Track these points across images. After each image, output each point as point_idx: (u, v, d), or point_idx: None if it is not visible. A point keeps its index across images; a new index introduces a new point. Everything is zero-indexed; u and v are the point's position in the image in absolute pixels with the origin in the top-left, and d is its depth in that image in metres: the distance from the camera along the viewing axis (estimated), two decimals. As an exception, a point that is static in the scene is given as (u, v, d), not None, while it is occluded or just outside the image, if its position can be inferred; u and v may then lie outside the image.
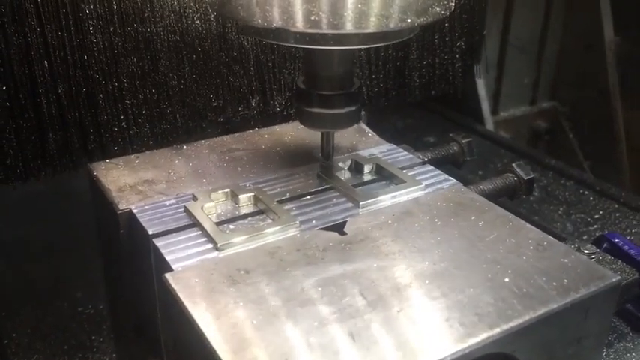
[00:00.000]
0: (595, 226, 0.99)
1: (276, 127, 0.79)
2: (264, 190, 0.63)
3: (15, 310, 0.83)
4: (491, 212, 0.61)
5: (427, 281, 0.51)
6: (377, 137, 0.77)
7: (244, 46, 0.86)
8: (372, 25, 0.51)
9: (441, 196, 0.63)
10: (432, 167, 0.70)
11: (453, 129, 1.26)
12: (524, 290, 0.50)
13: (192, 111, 0.86)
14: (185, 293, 0.49)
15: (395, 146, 0.75)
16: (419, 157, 0.73)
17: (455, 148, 0.84)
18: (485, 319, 0.47)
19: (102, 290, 0.73)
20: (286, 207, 0.61)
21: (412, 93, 1.07)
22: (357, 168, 0.69)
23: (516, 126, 1.60)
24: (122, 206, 0.61)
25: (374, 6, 0.50)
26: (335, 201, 0.63)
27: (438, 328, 0.46)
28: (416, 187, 0.64)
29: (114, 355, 0.76)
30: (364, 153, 0.72)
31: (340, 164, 0.69)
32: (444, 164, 0.79)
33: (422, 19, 0.53)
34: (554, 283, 0.50)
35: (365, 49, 0.98)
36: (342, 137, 0.75)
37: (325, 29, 0.51)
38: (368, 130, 0.78)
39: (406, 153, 0.73)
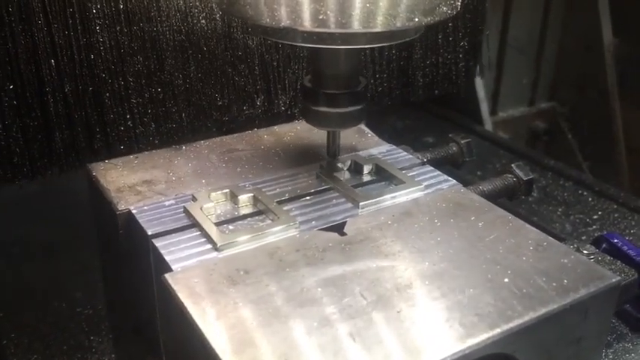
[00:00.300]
0: (594, 227, 0.99)
1: (276, 127, 0.79)
2: (263, 190, 0.63)
3: (14, 311, 0.83)
4: (491, 213, 0.61)
5: (427, 282, 0.51)
6: (376, 138, 0.77)
7: (249, 45, 0.86)
8: (379, 25, 0.51)
9: (440, 196, 0.63)
10: (431, 168, 0.70)
11: (452, 130, 1.26)
12: (524, 291, 0.50)
13: (197, 110, 0.86)
14: (185, 294, 0.49)
15: (394, 147, 0.75)
16: (418, 158, 0.73)
17: (454, 148, 0.84)
18: (485, 319, 0.47)
19: (101, 291, 0.73)
20: (286, 207, 0.61)
21: (416, 92, 1.08)
22: (356, 168, 0.69)
23: (515, 126, 1.60)
24: (121, 207, 0.60)
25: (382, 5, 0.51)
26: (334, 201, 0.63)
27: (438, 328, 0.46)
28: (415, 188, 0.64)
29: (112, 355, 0.76)
30: (364, 153, 0.72)
31: (340, 165, 0.69)
32: (443, 165, 0.79)
33: (429, 19, 0.53)
34: (554, 284, 0.50)
35: (370, 48, 0.98)
36: (342, 138, 0.75)
37: (333, 28, 0.51)
38: (367, 130, 0.78)
39: (406, 153, 0.73)
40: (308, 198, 0.63)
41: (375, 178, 0.68)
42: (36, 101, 0.75)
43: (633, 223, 0.99)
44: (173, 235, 0.57)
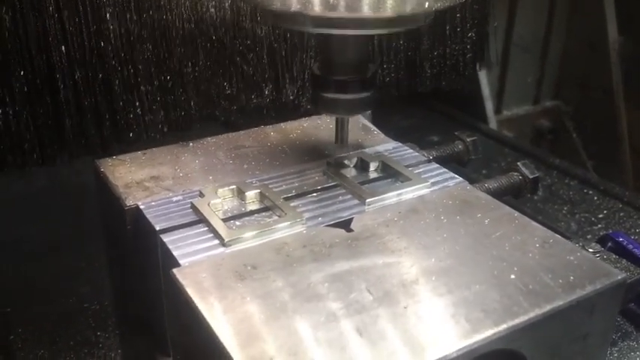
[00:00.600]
0: (599, 226, 0.99)
1: (282, 124, 0.79)
2: (270, 186, 0.63)
3: (21, 306, 0.84)
4: (497, 210, 0.61)
5: (433, 278, 0.51)
6: (382, 135, 0.77)
7: (258, 34, 0.87)
8: (389, 9, 0.51)
9: (446, 193, 0.64)
10: (437, 165, 0.70)
11: (457, 128, 1.26)
12: (530, 287, 0.50)
13: (206, 99, 0.86)
14: (193, 288, 0.49)
15: (400, 144, 0.75)
16: (424, 155, 0.73)
17: (460, 146, 0.84)
18: (491, 315, 0.47)
19: (107, 286, 0.73)
20: (293, 204, 0.61)
21: (423, 83, 1.07)
22: (362, 165, 0.69)
23: (519, 125, 1.60)
24: (129, 202, 0.61)
25: None
26: (341, 198, 0.63)
27: (444, 324, 0.46)
28: (422, 185, 0.64)
29: (119, 351, 0.77)
30: (370, 151, 0.72)
31: (346, 162, 0.69)
32: (448, 163, 0.80)
33: (439, 4, 0.53)
34: (560, 281, 0.51)
35: (378, 38, 0.98)
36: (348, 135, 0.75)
37: (343, 13, 0.51)
38: (373, 127, 0.79)
39: (412, 151, 0.73)
40: (315, 194, 0.63)
41: (381, 175, 0.68)
42: (46, 88, 0.76)
43: (639, 221, 1.00)
44: (181, 230, 0.57)
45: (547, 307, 0.48)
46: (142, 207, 0.60)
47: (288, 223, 0.57)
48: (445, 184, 0.66)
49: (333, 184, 0.65)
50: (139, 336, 0.68)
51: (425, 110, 1.40)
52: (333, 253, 0.54)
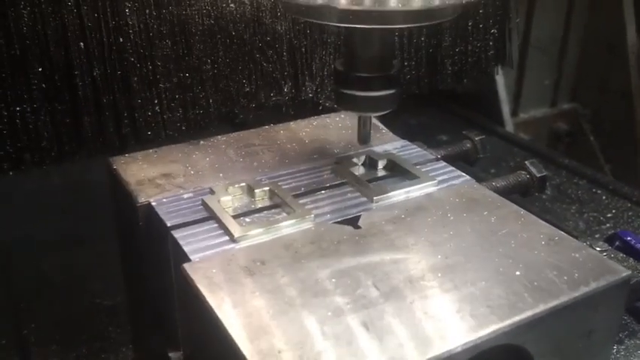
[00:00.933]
0: (607, 225, 1.00)
1: (291, 123, 0.80)
2: (279, 184, 0.64)
3: (34, 302, 0.85)
4: (504, 208, 0.61)
5: (439, 274, 0.52)
6: (391, 134, 0.78)
7: (278, 30, 0.86)
8: (417, 2, 0.50)
9: (453, 191, 0.64)
10: (445, 163, 0.71)
11: (467, 128, 1.26)
12: (535, 284, 0.50)
13: (224, 96, 0.85)
14: (203, 283, 0.50)
15: (408, 142, 0.76)
16: (432, 154, 0.74)
17: (468, 145, 0.84)
18: (496, 311, 0.48)
19: (120, 282, 0.74)
20: (301, 201, 0.62)
21: (444, 81, 1.06)
22: (370, 163, 0.70)
23: (536, 128, 1.60)
24: (141, 199, 0.62)
25: None
26: (349, 195, 0.64)
27: (450, 319, 0.47)
28: (429, 183, 0.65)
29: (130, 345, 0.78)
30: (378, 149, 0.73)
31: (354, 160, 0.70)
32: (456, 161, 0.80)
33: None
34: (565, 277, 0.51)
35: (401, 33, 0.97)
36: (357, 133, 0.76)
37: (370, 6, 0.50)
38: (382, 126, 0.79)
39: (419, 149, 0.74)
40: (323, 192, 0.64)
41: (389, 173, 0.69)
42: (64, 85, 0.75)
43: (647, 221, 1.00)
44: (192, 226, 0.58)
45: (552, 304, 0.48)
46: (153, 204, 0.61)
47: (297, 220, 0.58)
48: (452, 182, 0.66)
49: (341, 181, 0.66)
50: (151, 331, 0.69)
51: (443, 113, 1.40)
52: (340, 250, 0.54)
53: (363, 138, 0.67)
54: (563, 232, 0.58)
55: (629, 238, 0.79)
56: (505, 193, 0.74)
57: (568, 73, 1.62)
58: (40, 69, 0.74)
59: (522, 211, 0.61)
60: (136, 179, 0.65)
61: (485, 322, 0.46)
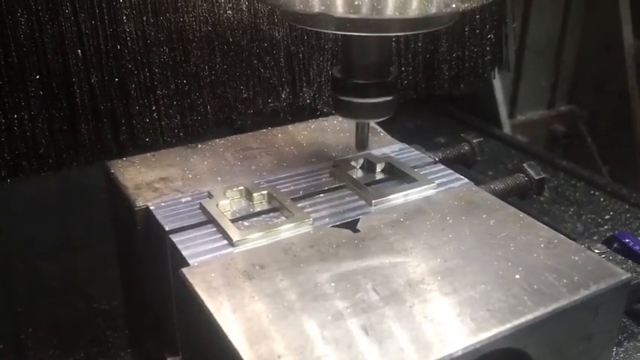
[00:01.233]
0: (605, 227, 0.99)
1: (289, 126, 0.80)
2: (277, 187, 0.64)
3: (32, 306, 0.85)
4: (503, 211, 0.61)
5: (439, 277, 0.51)
6: (389, 137, 0.78)
7: (275, 37, 0.86)
8: (415, 11, 0.50)
9: (452, 194, 0.64)
10: (443, 166, 0.71)
11: (464, 130, 1.26)
12: (535, 287, 0.50)
13: (222, 102, 0.86)
14: (202, 287, 0.50)
15: (407, 145, 0.76)
16: (430, 157, 0.74)
17: (466, 147, 0.84)
18: (496, 314, 0.47)
19: (117, 286, 0.74)
20: (300, 204, 0.62)
21: (441, 86, 1.07)
22: (369, 167, 0.70)
23: (534, 130, 1.60)
24: (139, 203, 0.62)
25: None
26: (347, 199, 0.63)
27: (450, 323, 0.47)
28: (427, 186, 0.65)
29: (129, 350, 0.77)
30: (376, 152, 0.73)
31: (352, 163, 0.70)
32: (454, 164, 0.80)
33: (466, 5, 0.53)
34: (565, 280, 0.51)
35: (397, 40, 0.97)
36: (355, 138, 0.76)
37: (367, 14, 0.50)
38: (380, 129, 0.79)
39: (418, 152, 0.74)
40: (322, 195, 0.64)
41: (387, 176, 0.69)
42: (62, 92, 0.75)
43: (645, 223, 1.00)
44: (190, 230, 0.58)
45: (552, 307, 0.48)
46: (151, 208, 0.61)
47: (296, 223, 0.58)
48: (451, 185, 0.66)
49: (339, 185, 0.66)
50: (149, 335, 0.68)
51: (440, 116, 1.40)
52: (339, 253, 0.54)
53: (361, 144, 0.67)
54: (562, 235, 0.58)
55: (627, 240, 0.79)
56: (503, 195, 0.74)
57: (565, 75, 1.63)
58: (37, 76, 0.74)
59: (521, 214, 0.61)
60: (133, 183, 0.65)
61: (485, 326, 0.46)
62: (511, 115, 1.53)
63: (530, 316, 0.47)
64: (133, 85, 0.79)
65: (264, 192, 0.63)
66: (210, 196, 0.63)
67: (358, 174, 0.69)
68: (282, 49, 0.87)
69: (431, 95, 1.07)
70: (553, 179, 1.14)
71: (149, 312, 0.67)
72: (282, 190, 0.64)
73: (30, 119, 0.75)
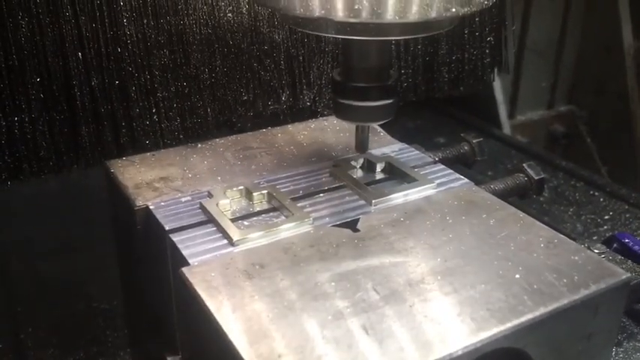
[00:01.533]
0: (605, 227, 0.99)
1: (289, 126, 0.80)
2: (277, 187, 0.64)
3: (31, 306, 0.85)
4: (503, 210, 0.61)
5: (439, 277, 0.51)
6: (389, 137, 0.78)
7: (275, 39, 0.86)
8: (415, 15, 0.50)
9: (452, 194, 0.64)
10: (443, 166, 0.71)
11: (464, 130, 1.26)
12: (535, 286, 0.50)
13: (222, 105, 0.86)
14: (202, 287, 0.50)
15: (407, 145, 0.76)
16: (430, 157, 0.74)
17: (465, 147, 0.84)
18: (496, 314, 0.48)
19: (117, 286, 0.74)
20: (300, 204, 0.62)
21: (441, 88, 1.07)
22: (369, 166, 0.70)
23: (533, 130, 1.60)
24: (139, 202, 0.62)
25: None
26: (347, 198, 0.63)
27: (450, 322, 0.47)
28: (427, 186, 0.65)
29: (128, 349, 0.77)
30: (376, 152, 0.73)
31: (353, 162, 0.70)
32: (454, 164, 0.80)
33: (466, 9, 0.53)
34: (565, 280, 0.51)
35: (397, 43, 0.97)
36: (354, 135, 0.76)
37: (368, 18, 0.50)
38: (380, 129, 0.79)
39: (418, 152, 0.74)
40: (321, 195, 0.64)
41: (387, 176, 0.69)
42: (63, 95, 0.75)
43: (645, 223, 1.00)
44: (190, 230, 0.58)
45: (552, 307, 0.48)
46: (151, 207, 0.61)
47: (296, 223, 0.58)
48: (451, 184, 0.66)
49: (339, 184, 0.66)
50: (149, 335, 0.68)
51: (440, 116, 1.40)
52: (339, 253, 0.54)
53: (361, 146, 0.67)
54: (562, 235, 0.58)
55: (627, 240, 0.79)
56: (503, 195, 0.74)
57: (565, 76, 1.63)
58: (38, 79, 0.74)
59: (521, 214, 0.61)
60: (133, 183, 0.65)
61: (485, 326, 0.46)
62: (511, 115, 1.53)
63: (530, 316, 0.47)
64: (134, 88, 0.79)
65: (264, 191, 0.63)
66: (210, 195, 0.63)
67: (358, 174, 0.69)
68: (282, 52, 0.87)
69: (430, 98, 1.07)
70: (553, 179, 1.14)
71: (149, 311, 0.67)
72: (282, 190, 0.64)
73: (30, 122, 0.75)
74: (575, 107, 1.66)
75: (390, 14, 0.50)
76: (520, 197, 0.79)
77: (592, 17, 1.56)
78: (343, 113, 0.62)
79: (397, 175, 0.68)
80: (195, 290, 0.50)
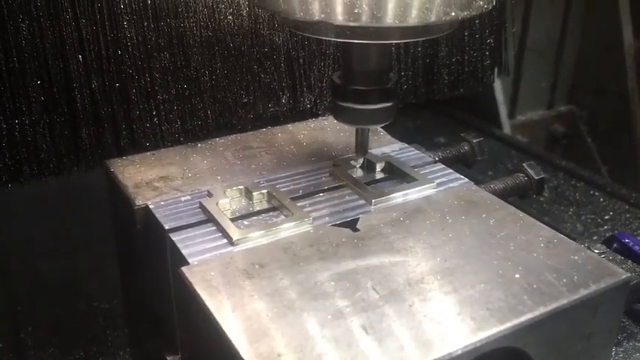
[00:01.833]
0: (605, 227, 0.99)
1: (289, 125, 0.80)
2: (277, 187, 0.64)
3: (31, 305, 0.85)
4: (502, 210, 0.61)
5: (439, 277, 0.51)
6: (389, 136, 0.78)
7: (276, 42, 0.86)
8: (414, 19, 0.50)
9: (452, 194, 0.64)
10: (443, 166, 0.71)
11: (464, 130, 1.26)
12: (535, 286, 0.50)
13: (222, 107, 0.86)
14: (201, 286, 0.50)
15: (406, 145, 0.76)
16: (430, 156, 0.74)
17: (465, 147, 0.84)
18: (495, 313, 0.47)
19: (117, 285, 0.74)
20: (299, 204, 0.62)
21: (441, 91, 1.07)
22: (369, 166, 0.70)
23: (534, 130, 1.60)
24: (139, 202, 0.62)
25: None
26: (347, 198, 0.63)
27: (450, 322, 0.47)
28: (427, 185, 0.65)
29: (128, 349, 0.77)
30: (376, 151, 0.73)
31: (352, 162, 0.70)
32: (454, 164, 0.80)
33: (465, 13, 0.53)
34: (565, 280, 0.51)
35: (397, 45, 0.97)
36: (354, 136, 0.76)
37: (367, 22, 0.50)
38: (380, 129, 0.79)
39: (417, 152, 0.74)
40: (321, 195, 0.64)
41: (387, 175, 0.69)
42: (63, 97, 0.76)
43: (645, 223, 1.00)
44: (189, 229, 0.58)
45: (551, 306, 0.48)
46: (151, 207, 0.61)
47: (296, 222, 0.58)
48: (450, 184, 0.66)
49: (339, 184, 0.66)
50: (149, 334, 0.68)
51: (440, 116, 1.40)
52: (339, 252, 0.54)
53: (361, 149, 0.67)
54: (561, 235, 0.58)
55: (627, 240, 0.79)
56: (503, 195, 0.74)
57: (565, 76, 1.63)
58: (38, 82, 0.74)
59: (521, 214, 0.61)
60: (133, 182, 0.65)
61: (485, 325, 0.46)
62: (511, 115, 1.53)
63: (529, 316, 0.47)
64: (134, 90, 0.79)
65: (264, 191, 0.63)
66: (209, 194, 0.63)
67: (358, 173, 0.69)
68: (282, 54, 0.88)
69: (431, 99, 1.07)
70: (553, 179, 1.14)
71: (149, 311, 0.67)
72: (281, 189, 0.64)
73: (31, 124, 0.75)
74: (575, 107, 1.66)
75: (389, 18, 0.50)
76: (520, 197, 0.79)
77: (592, 17, 1.56)
78: (343, 116, 0.63)
79: (397, 174, 0.68)
80: (194, 290, 0.50)
